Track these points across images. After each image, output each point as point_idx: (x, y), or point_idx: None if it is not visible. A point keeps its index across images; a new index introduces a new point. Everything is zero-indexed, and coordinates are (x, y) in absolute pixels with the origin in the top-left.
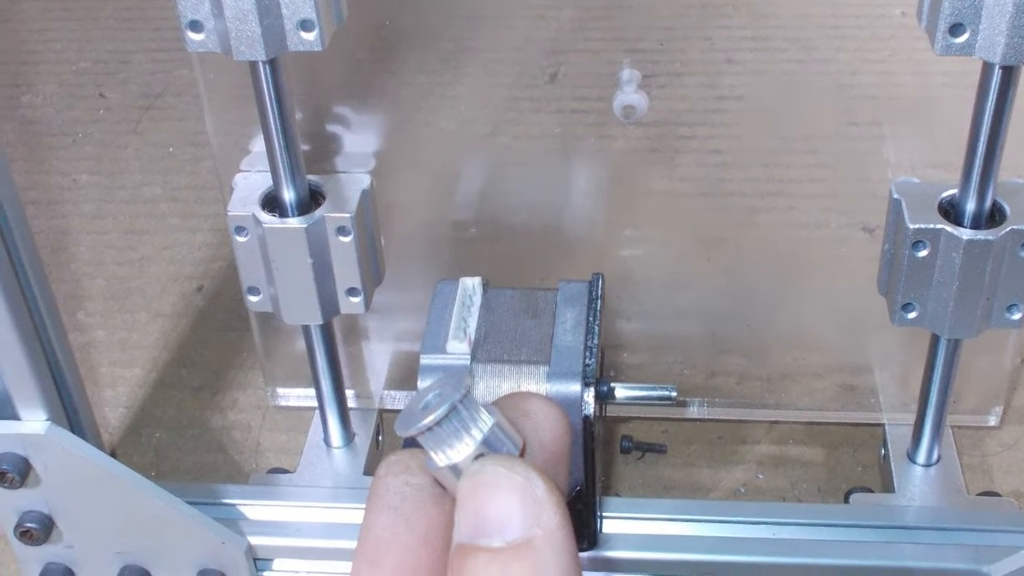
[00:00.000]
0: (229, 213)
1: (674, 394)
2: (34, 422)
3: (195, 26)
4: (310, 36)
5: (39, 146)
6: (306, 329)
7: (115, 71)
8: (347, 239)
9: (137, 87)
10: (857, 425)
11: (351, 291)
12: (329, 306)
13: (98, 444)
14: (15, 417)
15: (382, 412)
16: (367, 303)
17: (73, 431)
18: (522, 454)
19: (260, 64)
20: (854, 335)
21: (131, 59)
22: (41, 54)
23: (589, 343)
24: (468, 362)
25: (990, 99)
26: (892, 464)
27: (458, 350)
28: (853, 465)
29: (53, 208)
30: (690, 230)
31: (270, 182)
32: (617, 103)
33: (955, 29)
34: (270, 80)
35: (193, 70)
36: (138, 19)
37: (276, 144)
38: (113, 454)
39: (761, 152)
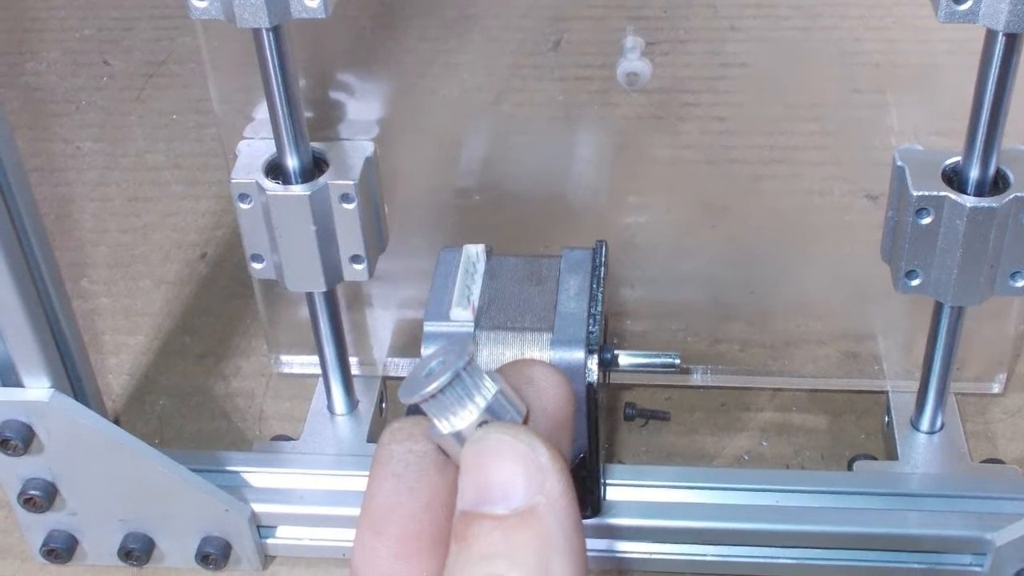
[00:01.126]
0: (232, 180)
1: (677, 361)
2: (38, 389)
3: None
4: (313, 3)
5: (43, 113)
6: (310, 296)
7: (119, 38)
8: (351, 206)
9: (141, 54)
10: (861, 392)
11: (354, 258)
12: (332, 273)
13: (102, 411)
14: (19, 384)
15: (386, 379)
16: (371, 270)
17: (77, 398)
18: (526, 421)
19: (264, 31)
20: (858, 302)
21: (135, 26)
22: (45, 21)
23: (593, 310)
24: (472, 329)
25: (993, 66)
26: (896, 431)
27: (462, 317)
28: (857, 432)
29: (56, 175)
30: (694, 197)
31: (274, 149)
32: (621, 70)
33: None
34: (274, 47)
35: (197, 37)
36: None
37: (280, 111)
38: (117, 421)
39: (765, 119)
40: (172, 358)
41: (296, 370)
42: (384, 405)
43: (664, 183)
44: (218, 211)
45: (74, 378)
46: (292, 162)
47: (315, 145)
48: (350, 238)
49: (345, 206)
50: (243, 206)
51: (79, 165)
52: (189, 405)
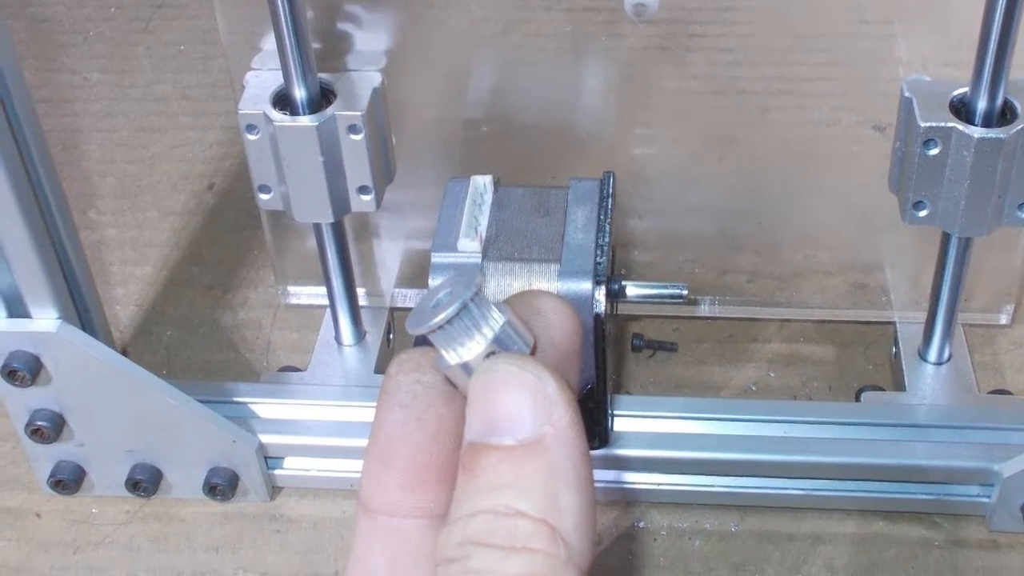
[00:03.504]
0: (240, 111)
1: (685, 292)
2: (45, 320)
3: None
4: None
5: (50, 44)
6: (317, 227)
7: None
8: (358, 137)
9: None
10: (868, 323)
11: (362, 189)
12: (340, 204)
13: (109, 342)
14: (26, 315)
15: (393, 310)
16: (378, 201)
17: (84, 329)
18: (533, 352)
19: None
20: (865, 233)
21: None
22: None
23: (600, 241)
24: (479, 260)
25: None
26: (903, 362)
27: (469, 248)
28: (864, 363)
29: (64, 106)
30: (701, 128)
31: (281, 80)
32: (628, 1)
33: None
34: None
35: None
36: None
37: (287, 42)
38: (124, 352)
39: (772, 50)
40: (180, 289)
41: (303, 301)
42: (391, 336)
43: (671, 114)
44: (225, 142)
45: (81, 309)
46: (299, 93)
47: (322, 76)
48: (357, 169)
49: (352, 137)
50: (250, 137)
51: (86, 96)
52: (196, 336)
